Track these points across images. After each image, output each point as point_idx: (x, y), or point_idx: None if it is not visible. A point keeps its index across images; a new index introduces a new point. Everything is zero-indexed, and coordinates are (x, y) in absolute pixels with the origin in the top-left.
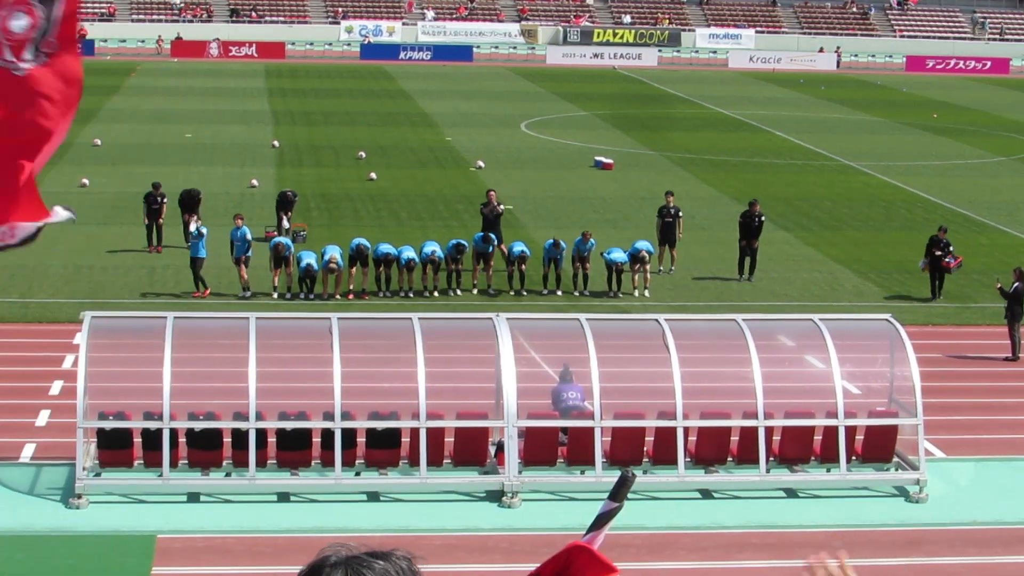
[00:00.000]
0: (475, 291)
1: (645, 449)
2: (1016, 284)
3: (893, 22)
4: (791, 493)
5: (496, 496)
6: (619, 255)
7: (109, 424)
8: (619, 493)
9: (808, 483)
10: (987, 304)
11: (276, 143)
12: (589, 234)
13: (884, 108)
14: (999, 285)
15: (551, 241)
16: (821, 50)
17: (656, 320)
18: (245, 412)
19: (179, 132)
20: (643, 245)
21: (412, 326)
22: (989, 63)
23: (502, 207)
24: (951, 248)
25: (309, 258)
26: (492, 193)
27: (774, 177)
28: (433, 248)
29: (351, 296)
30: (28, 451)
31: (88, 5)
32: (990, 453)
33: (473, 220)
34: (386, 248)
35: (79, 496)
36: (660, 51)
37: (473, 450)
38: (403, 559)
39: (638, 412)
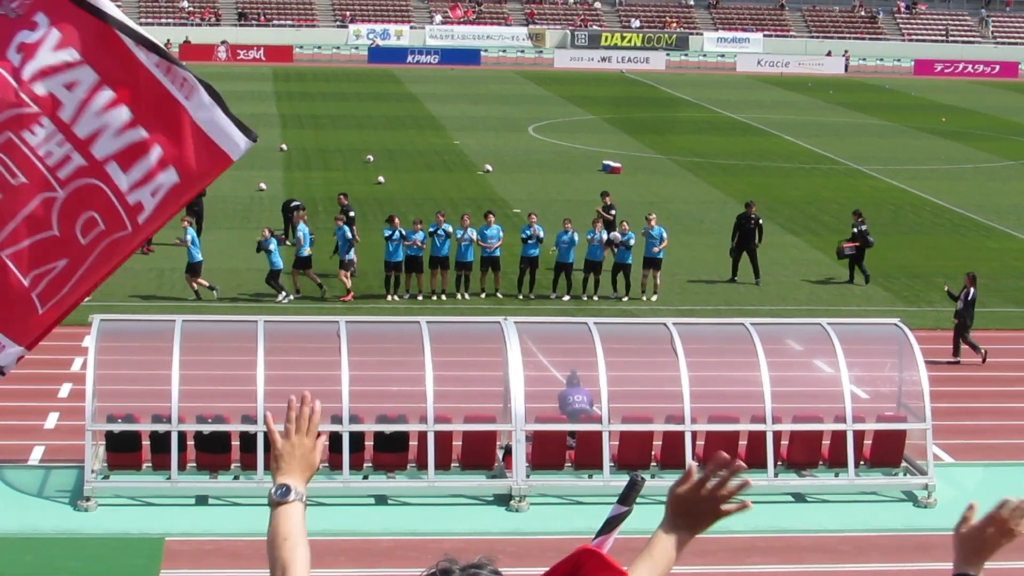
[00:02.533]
0: (433, 296)
1: (653, 453)
2: (967, 288)
3: (901, 26)
4: (799, 497)
5: (504, 500)
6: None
7: (118, 427)
8: (628, 497)
9: (816, 487)
10: (996, 308)
11: (284, 146)
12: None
13: (892, 112)
14: (947, 288)
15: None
16: (829, 54)
17: (664, 324)
18: (253, 415)
19: None
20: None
21: (420, 329)
22: (998, 67)
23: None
24: (858, 229)
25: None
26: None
27: (782, 181)
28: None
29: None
30: (37, 453)
31: None
32: (999, 458)
33: (479, 224)
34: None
35: (87, 498)
36: (668, 55)
37: (481, 454)
38: (493, 566)
39: (646, 416)
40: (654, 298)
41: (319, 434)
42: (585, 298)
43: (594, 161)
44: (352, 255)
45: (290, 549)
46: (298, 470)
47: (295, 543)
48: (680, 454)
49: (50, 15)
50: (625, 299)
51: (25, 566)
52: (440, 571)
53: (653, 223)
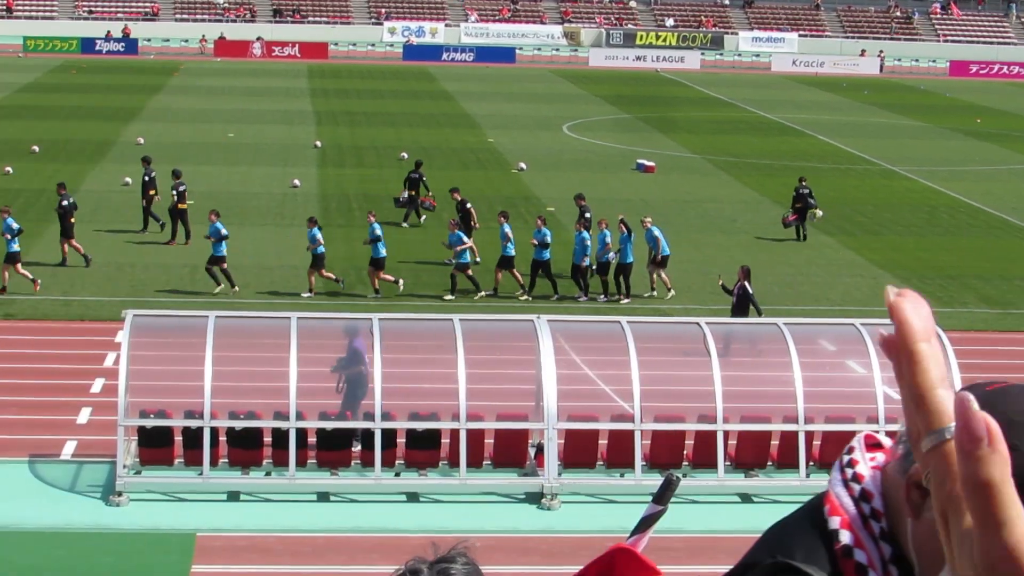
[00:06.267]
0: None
1: (685, 452)
2: (741, 282)
3: (936, 27)
4: None
5: (535, 498)
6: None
7: (150, 422)
8: (663, 496)
9: None
10: None
11: (318, 143)
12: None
13: (927, 113)
14: (721, 282)
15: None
16: (863, 53)
17: (697, 323)
18: (286, 411)
19: (222, 131)
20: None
21: (453, 327)
22: None
23: None
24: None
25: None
26: None
27: (816, 181)
28: None
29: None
30: (69, 448)
31: (132, 4)
32: None
33: (516, 223)
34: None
35: (120, 494)
36: (703, 54)
37: (513, 452)
38: (466, 556)
39: (678, 415)
40: (668, 295)
41: None
42: (625, 302)
43: (628, 160)
44: (15, 247)
45: None
46: None
47: None
48: (712, 453)
49: None
50: (650, 296)
51: (57, 561)
52: (409, 571)
53: (648, 224)
